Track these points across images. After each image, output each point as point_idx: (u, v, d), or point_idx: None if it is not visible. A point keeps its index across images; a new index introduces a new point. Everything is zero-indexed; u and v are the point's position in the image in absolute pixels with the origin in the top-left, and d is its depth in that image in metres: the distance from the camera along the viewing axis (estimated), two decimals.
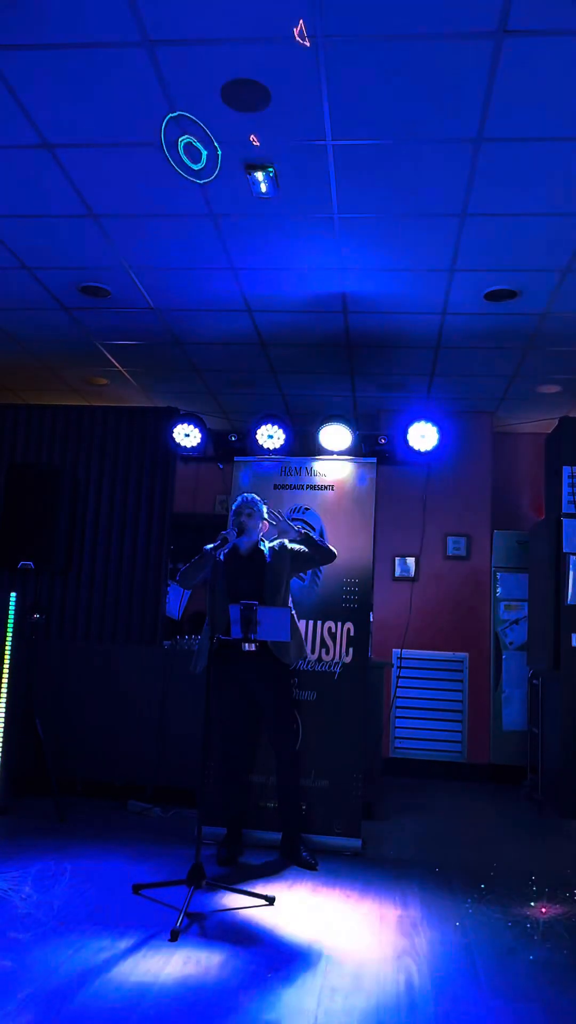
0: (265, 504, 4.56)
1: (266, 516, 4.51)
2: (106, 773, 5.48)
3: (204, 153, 3.61)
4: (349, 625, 4.83)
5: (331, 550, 4.53)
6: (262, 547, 4.45)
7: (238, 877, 3.98)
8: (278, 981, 2.87)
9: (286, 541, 4.53)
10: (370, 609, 4.98)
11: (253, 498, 4.50)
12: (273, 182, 3.81)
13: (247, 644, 4.25)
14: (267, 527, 4.56)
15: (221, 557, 4.32)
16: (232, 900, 3.61)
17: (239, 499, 4.52)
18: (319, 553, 4.50)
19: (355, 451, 5.28)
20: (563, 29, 2.85)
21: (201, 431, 5.53)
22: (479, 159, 3.59)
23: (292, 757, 4.39)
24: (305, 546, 4.46)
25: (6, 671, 5.15)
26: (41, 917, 3.33)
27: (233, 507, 4.53)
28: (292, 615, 4.43)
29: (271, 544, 4.49)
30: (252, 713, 4.48)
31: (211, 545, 4.19)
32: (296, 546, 4.48)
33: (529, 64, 3.01)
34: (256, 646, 4.27)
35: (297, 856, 4.24)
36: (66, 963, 2.91)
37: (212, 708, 4.38)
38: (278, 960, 3.06)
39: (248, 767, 4.57)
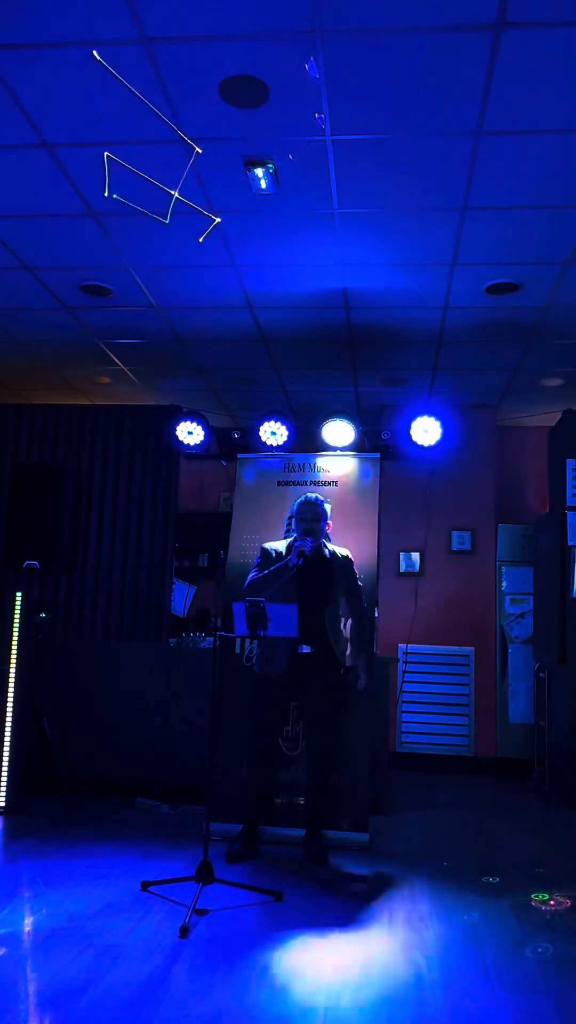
0: (328, 502, 4.52)
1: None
2: (113, 771, 5.49)
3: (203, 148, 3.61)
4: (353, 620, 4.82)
5: (363, 609, 4.58)
6: (324, 551, 4.41)
7: (247, 873, 3.98)
8: (286, 977, 2.88)
9: (348, 553, 4.52)
10: (375, 604, 4.98)
11: (316, 499, 4.42)
12: (273, 178, 3.80)
13: (302, 646, 4.25)
14: (331, 527, 4.52)
15: (294, 561, 4.26)
16: (241, 896, 3.61)
17: (302, 499, 4.43)
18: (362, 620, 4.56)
19: (358, 447, 5.28)
20: (562, 20, 2.83)
21: (204, 429, 5.54)
22: (479, 152, 3.58)
23: (331, 760, 4.40)
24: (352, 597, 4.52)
25: (13, 670, 5.16)
26: (50, 914, 3.35)
27: (296, 507, 4.44)
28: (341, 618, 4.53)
29: (332, 547, 4.47)
30: (283, 712, 4.53)
31: (292, 557, 4.20)
32: (354, 569, 4.51)
33: (528, 56, 3.00)
34: (311, 648, 4.27)
35: (309, 849, 4.25)
36: (76, 960, 2.92)
37: (254, 706, 4.41)
38: (286, 956, 3.06)
39: (275, 766, 4.58)
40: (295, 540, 4.36)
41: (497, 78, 3.11)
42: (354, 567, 4.51)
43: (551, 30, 2.88)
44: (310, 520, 4.34)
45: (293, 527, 4.41)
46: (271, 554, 4.42)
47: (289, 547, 4.40)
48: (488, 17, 2.82)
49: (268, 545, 4.49)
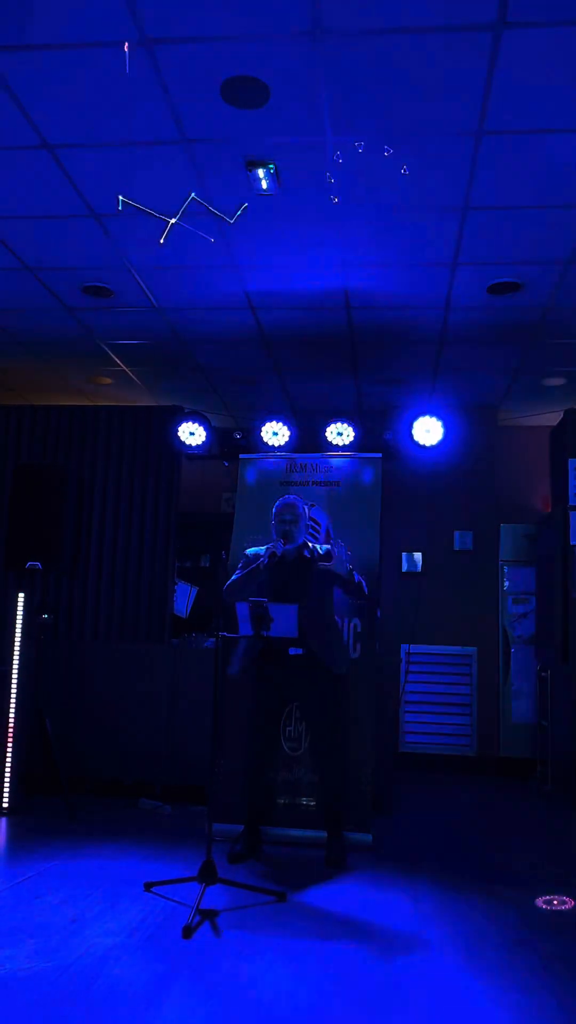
0: (309, 505, 4.48)
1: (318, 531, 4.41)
2: (116, 771, 5.50)
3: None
4: (356, 621, 4.83)
5: (363, 591, 4.46)
6: (307, 553, 4.39)
7: (250, 873, 3.98)
8: (290, 976, 2.88)
9: (332, 549, 4.45)
10: (377, 604, 4.98)
11: (295, 500, 4.41)
12: (274, 179, 3.81)
13: (293, 648, 4.23)
14: (320, 527, 4.51)
15: (263, 562, 4.23)
16: (244, 896, 3.61)
17: (279, 503, 4.41)
18: (352, 595, 4.47)
19: (360, 447, 5.28)
20: (563, 20, 2.83)
21: (206, 429, 5.54)
22: (480, 152, 3.58)
23: (336, 761, 4.36)
24: (343, 584, 4.37)
25: (15, 671, 5.17)
26: (54, 916, 3.35)
27: (274, 510, 4.41)
28: (337, 622, 4.48)
29: (314, 547, 4.43)
30: (282, 712, 4.51)
31: (263, 558, 4.19)
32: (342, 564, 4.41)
33: (529, 56, 3.00)
34: (303, 651, 4.24)
35: (328, 852, 4.24)
36: (78, 961, 2.92)
37: (252, 707, 4.40)
38: (289, 955, 3.06)
39: (273, 765, 4.57)
40: (270, 545, 4.36)
41: (498, 78, 3.12)
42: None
43: (551, 30, 2.88)
44: (288, 522, 4.32)
45: (272, 530, 4.39)
46: (251, 558, 4.41)
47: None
48: (488, 17, 2.82)
49: (250, 550, 4.47)
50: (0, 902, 3.51)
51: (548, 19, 2.83)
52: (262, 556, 4.25)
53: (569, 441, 6.03)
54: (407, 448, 5.33)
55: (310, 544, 4.45)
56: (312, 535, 4.89)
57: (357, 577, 4.37)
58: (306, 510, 4.42)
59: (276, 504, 4.44)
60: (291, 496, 4.46)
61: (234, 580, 4.35)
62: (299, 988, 2.80)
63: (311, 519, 4.94)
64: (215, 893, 3.55)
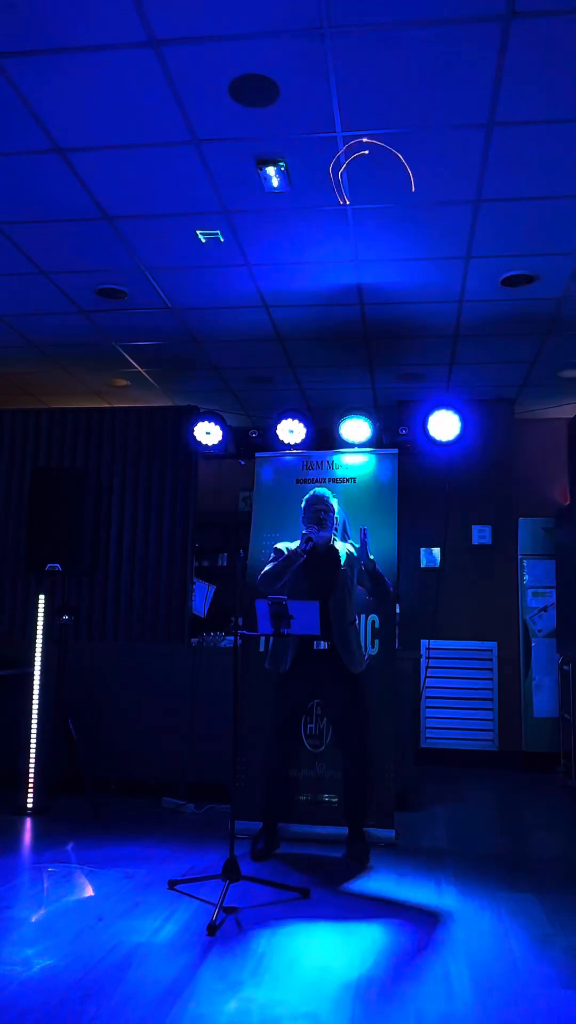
0: (336, 498, 4.53)
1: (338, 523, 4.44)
2: (139, 771, 5.53)
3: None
4: (374, 617, 4.82)
5: (388, 591, 4.49)
6: (335, 545, 4.43)
7: (273, 871, 3.99)
8: (315, 973, 2.89)
9: (353, 550, 4.49)
10: (396, 600, 4.96)
11: (326, 493, 4.46)
12: (284, 176, 3.81)
13: (318, 642, 4.25)
14: (338, 522, 4.53)
15: (303, 547, 4.26)
16: (267, 893, 3.62)
17: (311, 494, 4.45)
18: (377, 587, 4.46)
19: (376, 443, 5.27)
20: (573, 8, 2.81)
21: (222, 429, 5.54)
22: (491, 144, 3.56)
23: (360, 756, 4.37)
24: (368, 577, 4.40)
25: (37, 673, 5.21)
26: (79, 915, 3.37)
27: (305, 502, 4.44)
28: (356, 623, 4.48)
29: (346, 545, 4.47)
30: (303, 708, 4.52)
31: (298, 547, 4.22)
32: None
33: (539, 45, 2.98)
34: (328, 645, 4.27)
35: (351, 848, 4.25)
36: (104, 959, 2.94)
37: (274, 703, 4.41)
38: (314, 952, 3.07)
39: (292, 762, 4.58)
40: (305, 532, 4.37)
41: (508, 69, 3.10)
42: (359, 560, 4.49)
43: (561, 18, 2.86)
44: (322, 510, 4.36)
45: (303, 521, 4.41)
46: (284, 551, 4.42)
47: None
48: (497, 7, 2.81)
49: (280, 544, 4.49)
50: (26, 901, 3.55)
51: (557, 7, 2.81)
52: (301, 545, 4.26)
53: None
54: (423, 443, 5.30)
55: (337, 540, 4.46)
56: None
57: (379, 570, 4.40)
58: (335, 504, 4.44)
59: (308, 496, 4.48)
60: (321, 490, 4.50)
61: (269, 569, 4.33)
62: (324, 985, 2.80)
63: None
64: (239, 890, 3.56)
